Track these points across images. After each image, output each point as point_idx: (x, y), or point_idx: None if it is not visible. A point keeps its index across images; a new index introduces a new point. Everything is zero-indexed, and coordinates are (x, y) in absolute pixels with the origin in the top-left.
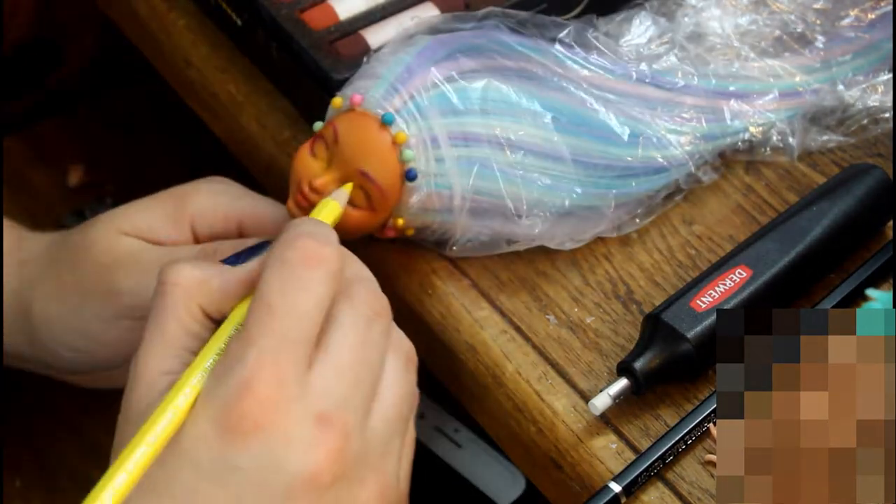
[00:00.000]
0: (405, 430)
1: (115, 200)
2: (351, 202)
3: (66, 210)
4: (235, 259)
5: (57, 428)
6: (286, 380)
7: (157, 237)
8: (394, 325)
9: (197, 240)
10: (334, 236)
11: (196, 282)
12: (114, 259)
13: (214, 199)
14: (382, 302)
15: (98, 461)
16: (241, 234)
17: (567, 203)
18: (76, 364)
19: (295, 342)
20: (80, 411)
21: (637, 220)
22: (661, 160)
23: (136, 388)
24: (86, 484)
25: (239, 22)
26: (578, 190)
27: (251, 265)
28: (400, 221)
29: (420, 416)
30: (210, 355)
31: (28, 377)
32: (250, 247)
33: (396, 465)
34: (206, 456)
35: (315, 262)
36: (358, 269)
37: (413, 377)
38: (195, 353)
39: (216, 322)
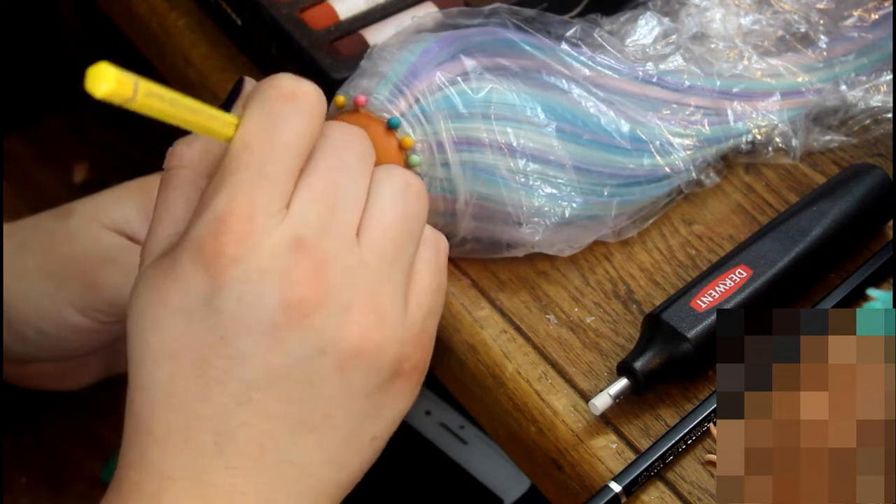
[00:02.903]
0: (407, 261)
1: None
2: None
3: None
4: (226, 106)
5: (63, 425)
6: (260, 213)
7: (134, 232)
8: (390, 164)
9: None
10: (310, 82)
11: (199, 156)
12: (98, 252)
13: None
14: (355, 130)
15: (104, 458)
16: None
17: (568, 212)
18: (41, 349)
19: (270, 176)
20: (86, 408)
21: (637, 224)
22: (665, 168)
23: (145, 275)
24: (92, 481)
25: (239, 21)
26: (580, 199)
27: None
28: None
29: (426, 413)
30: None
31: None
32: (230, 92)
33: (395, 299)
34: (192, 296)
35: (293, 98)
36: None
37: (416, 204)
38: None
39: None
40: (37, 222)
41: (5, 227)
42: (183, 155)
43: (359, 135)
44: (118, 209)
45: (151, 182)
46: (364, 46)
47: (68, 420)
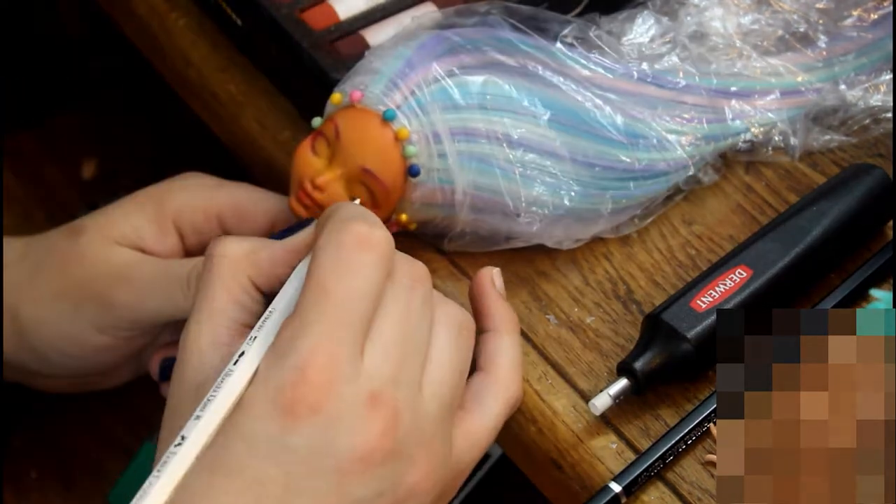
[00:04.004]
0: (456, 406)
1: (129, 193)
2: (354, 199)
3: (80, 204)
4: (279, 236)
5: (72, 419)
6: (339, 364)
7: (147, 244)
8: (440, 294)
9: (183, 239)
10: (380, 221)
11: (244, 253)
12: (109, 271)
13: (190, 196)
14: (419, 270)
15: (114, 452)
16: (222, 226)
17: (566, 202)
18: (66, 368)
19: (348, 325)
20: (95, 402)
21: (636, 222)
22: (661, 163)
23: (187, 362)
24: (102, 475)
25: (239, 22)
26: (577, 190)
27: (299, 238)
28: (403, 217)
29: None
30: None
31: None
32: (292, 225)
33: (446, 441)
34: (262, 436)
35: (368, 246)
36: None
37: (466, 347)
38: (245, 325)
39: (264, 294)
40: (50, 242)
41: (19, 244)
42: (227, 247)
43: (422, 276)
44: (128, 222)
45: (162, 191)
46: (364, 47)
47: (78, 414)
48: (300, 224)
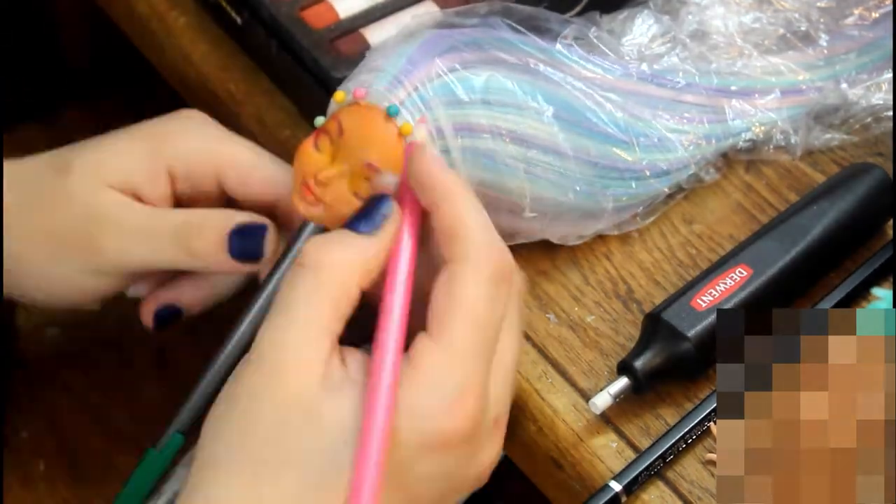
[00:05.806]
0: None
1: None
2: (357, 195)
3: None
4: (357, 223)
5: (80, 412)
6: (485, 395)
7: (136, 188)
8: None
9: (174, 185)
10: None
11: (354, 262)
12: (97, 214)
13: (190, 146)
14: (524, 289)
15: (122, 445)
16: (219, 183)
17: (570, 197)
18: (48, 304)
19: (490, 355)
20: (103, 395)
21: (638, 220)
22: (663, 163)
23: (289, 373)
24: (110, 467)
25: (239, 20)
26: (580, 186)
27: (389, 232)
28: None
29: None
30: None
31: (50, 361)
32: (367, 207)
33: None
34: (410, 464)
35: (510, 279)
36: None
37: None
38: (338, 333)
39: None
40: (36, 176)
41: (5, 167)
42: (334, 255)
43: (524, 292)
44: (120, 164)
45: (161, 133)
46: (364, 45)
47: (86, 405)
48: (376, 206)
